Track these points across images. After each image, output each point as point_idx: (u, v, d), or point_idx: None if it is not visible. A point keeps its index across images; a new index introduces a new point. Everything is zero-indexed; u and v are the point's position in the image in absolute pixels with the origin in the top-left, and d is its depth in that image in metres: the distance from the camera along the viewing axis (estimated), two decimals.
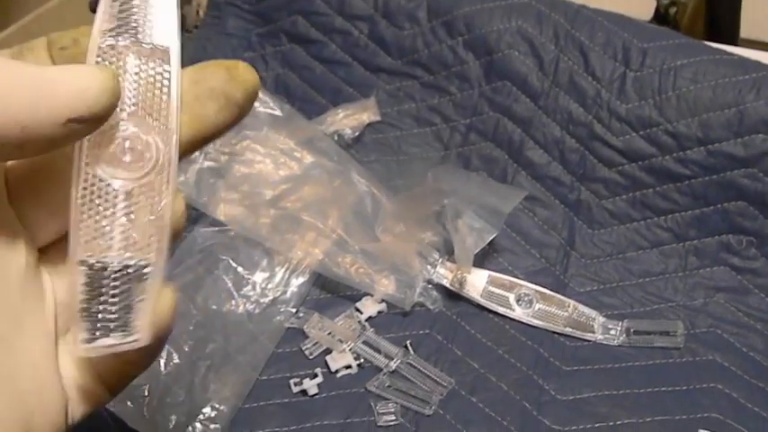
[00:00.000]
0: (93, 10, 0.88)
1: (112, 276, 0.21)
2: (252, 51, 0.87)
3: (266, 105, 0.77)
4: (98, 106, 0.19)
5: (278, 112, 0.77)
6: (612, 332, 0.68)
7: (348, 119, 0.80)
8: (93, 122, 0.20)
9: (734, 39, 0.93)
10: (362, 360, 0.63)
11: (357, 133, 0.80)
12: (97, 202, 0.21)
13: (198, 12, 0.99)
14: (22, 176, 0.22)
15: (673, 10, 0.95)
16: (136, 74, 0.22)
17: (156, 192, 0.21)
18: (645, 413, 0.61)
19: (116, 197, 0.21)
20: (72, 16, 1.03)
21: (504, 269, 0.73)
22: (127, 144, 0.21)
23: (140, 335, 0.21)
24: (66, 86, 0.19)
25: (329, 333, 0.64)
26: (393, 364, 0.63)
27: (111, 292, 0.21)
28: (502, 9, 0.78)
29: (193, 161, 0.76)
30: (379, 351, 0.64)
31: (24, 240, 0.21)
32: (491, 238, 0.67)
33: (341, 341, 0.64)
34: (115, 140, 0.21)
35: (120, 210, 0.21)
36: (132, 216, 0.21)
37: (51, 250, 0.23)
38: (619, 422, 0.60)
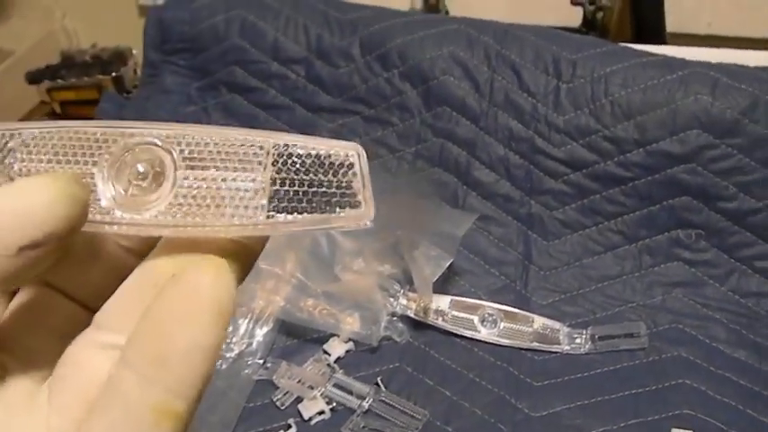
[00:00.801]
0: (31, 81, 0.87)
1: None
2: (193, 105, 0.87)
3: None
4: (53, 223, 0.17)
5: None
6: (578, 341, 0.68)
7: None
8: (57, 241, 0.17)
9: (661, 36, 0.96)
10: (335, 404, 0.63)
11: None
12: None
13: (135, 71, 1.00)
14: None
15: (600, 15, 0.97)
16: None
17: None
18: (618, 419, 0.61)
19: None
20: (10, 87, 1.02)
21: (466, 291, 0.73)
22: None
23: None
24: (6, 211, 0.16)
25: (299, 381, 0.64)
26: (366, 404, 0.63)
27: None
28: (432, 37, 0.79)
29: None
30: (350, 392, 0.64)
31: (15, 376, 0.19)
32: (447, 265, 0.68)
33: (311, 387, 0.64)
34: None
35: None
36: None
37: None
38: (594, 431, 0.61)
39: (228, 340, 0.68)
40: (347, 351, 0.68)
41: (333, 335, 0.69)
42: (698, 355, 0.67)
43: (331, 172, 0.19)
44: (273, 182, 0.19)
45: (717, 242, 0.72)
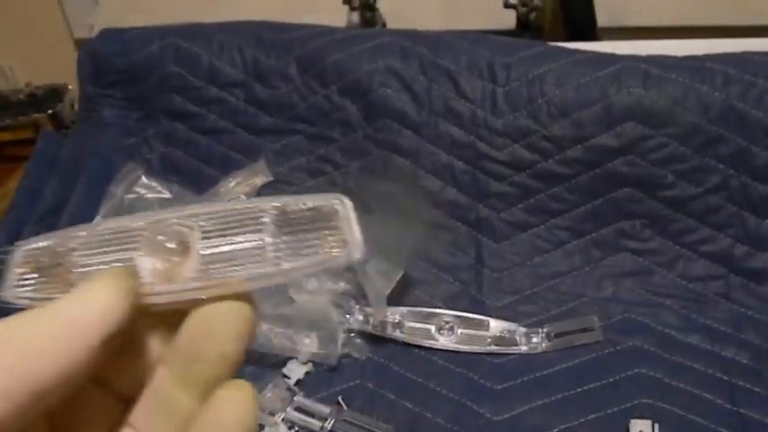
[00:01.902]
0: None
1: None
2: (133, 137, 0.86)
3: (154, 190, 0.76)
4: (120, 314, 0.20)
5: (166, 194, 0.76)
6: (535, 340, 0.69)
7: (241, 186, 0.80)
8: (124, 330, 0.20)
9: (593, 31, 0.98)
10: (297, 428, 0.63)
11: (252, 197, 0.80)
12: None
13: (72, 106, 0.98)
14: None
15: (533, 16, 0.99)
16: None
17: None
18: (577, 415, 0.62)
19: None
20: None
21: (421, 301, 0.73)
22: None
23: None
24: (84, 317, 0.19)
25: (259, 408, 0.63)
26: (328, 426, 0.62)
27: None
28: (367, 51, 0.79)
29: None
30: (312, 415, 0.63)
31: None
32: (398, 278, 0.68)
33: (272, 414, 0.63)
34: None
35: None
36: None
37: None
38: (556, 430, 0.61)
39: None
40: (307, 373, 0.68)
41: (291, 357, 0.68)
42: (651, 344, 0.68)
43: (320, 220, 0.22)
44: (276, 236, 0.22)
45: (661, 230, 0.74)
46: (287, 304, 0.70)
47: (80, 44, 1.07)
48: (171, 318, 0.22)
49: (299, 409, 0.64)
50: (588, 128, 0.73)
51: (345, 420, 0.63)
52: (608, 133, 0.73)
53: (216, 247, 0.22)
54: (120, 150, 0.85)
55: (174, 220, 0.22)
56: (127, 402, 0.22)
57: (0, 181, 0.96)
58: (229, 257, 0.21)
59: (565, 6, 0.96)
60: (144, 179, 0.77)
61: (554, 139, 0.74)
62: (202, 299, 0.21)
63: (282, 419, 0.63)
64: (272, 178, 0.81)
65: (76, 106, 0.96)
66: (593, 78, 0.74)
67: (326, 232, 0.22)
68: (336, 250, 0.22)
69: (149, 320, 0.22)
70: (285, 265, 0.21)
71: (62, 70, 1.05)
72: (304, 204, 0.22)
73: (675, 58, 0.76)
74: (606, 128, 0.73)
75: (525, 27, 0.99)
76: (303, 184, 0.81)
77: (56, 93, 0.98)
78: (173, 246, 0.22)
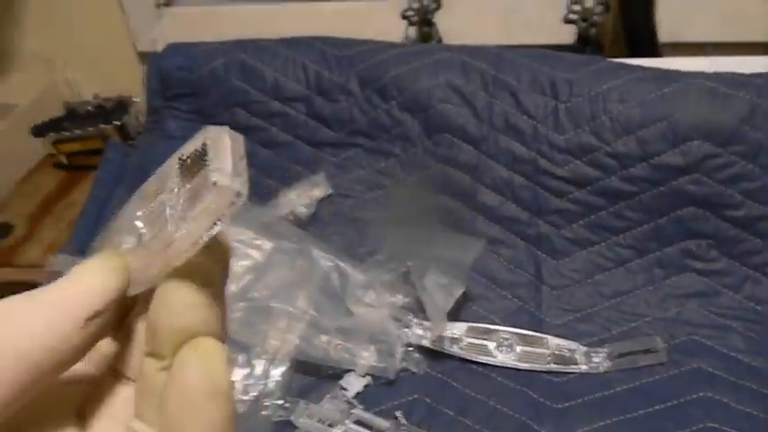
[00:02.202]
0: (36, 135, 0.88)
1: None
2: None
3: None
4: (108, 294, 0.21)
5: None
6: (596, 360, 0.68)
7: (300, 197, 0.81)
8: (111, 307, 0.21)
9: (654, 48, 0.97)
10: None
11: (312, 210, 0.81)
12: None
13: (137, 118, 1.01)
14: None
15: (593, 31, 0.98)
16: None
17: None
18: None
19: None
20: (17, 141, 1.04)
21: (480, 316, 0.73)
22: None
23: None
24: (69, 294, 0.20)
25: (318, 419, 0.64)
26: None
27: None
28: (428, 67, 0.80)
29: None
30: (370, 428, 0.63)
31: None
32: (460, 293, 0.68)
33: (331, 425, 0.64)
34: None
35: None
36: None
37: None
38: None
39: (246, 382, 0.68)
40: (365, 386, 0.68)
41: (349, 370, 0.69)
42: (717, 366, 0.66)
43: (201, 165, 0.20)
44: (182, 187, 0.20)
45: (727, 251, 0.72)
46: (345, 317, 0.71)
47: (144, 56, 1.11)
48: None
49: (358, 422, 0.64)
50: (653, 145, 0.72)
51: None
52: (673, 151, 0.72)
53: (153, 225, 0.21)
54: None
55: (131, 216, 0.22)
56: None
57: (67, 190, 1.00)
58: (163, 219, 0.21)
59: (626, 22, 0.95)
60: None
61: (618, 156, 0.73)
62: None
63: (342, 431, 0.63)
64: (331, 191, 0.82)
65: (142, 118, 0.99)
66: (659, 95, 0.73)
67: (199, 179, 0.20)
68: (212, 199, 0.19)
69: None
70: (183, 228, 0.20)
71: (126, 82, 1.09)
72: (182, 153, 0.21)
73: (743, 75, 0.75)
74: (672, 145, 0.72)
75: (585, 42, 0.98)
76: (361, 196, 0.82)
77: (122, 105, 1.01)
78: (132, 240, 0.22)
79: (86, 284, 0.21)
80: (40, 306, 0.20)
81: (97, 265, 0.21)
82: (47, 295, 0.20)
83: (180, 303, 0.20)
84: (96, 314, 0.20)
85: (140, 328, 0.22)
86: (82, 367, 0.22)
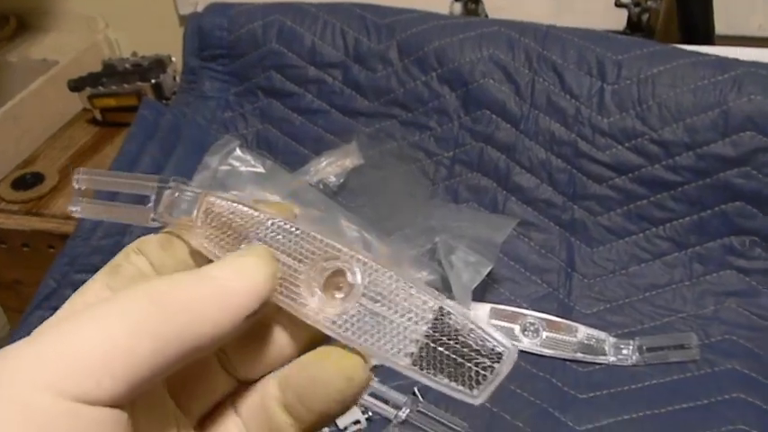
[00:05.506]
0: (73, 89, 0.88)
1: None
2: (230, 111, 0.87)
3: (248, 164, 0.77)
4: (266, 295, 0.21)
5: (260, 169, 0.76)
6: (625, 352, 0.65)
7: (331, 166, 0.79)
8: (262, 308, 0.21)
9: (710, 37, 0.93)
10: (371, 413, 0.61)
11: (342, 179, 0.79)
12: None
13: (174, 78, 1.00)
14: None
15: (645, 17, 0.94)
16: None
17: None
18: None
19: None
20: (54, 96, 1.04)
21: (506, 299, 0.71)
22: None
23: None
24: (239, 288, 0.20)
25: None
26: (402, 414, 0.61)
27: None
28: (472, 39, 0.77)
29: None
30: (386, 402, 0.62)
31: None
32: (487, 272, 0.65)
33: None
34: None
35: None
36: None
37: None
38: None
39: None
40: None
41: None
42: (753, 368, 0.63)
43: (472, 357, 0.21)
44: (426, 336, 0.21)
45: None
46: None
47: (184, 19, 1.10)
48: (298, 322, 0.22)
49: (373, 395, 0.63)
50: (702, 134, 0.69)
51: (420, 411, 0.61)
52: (723, 141, 0.69)
53: (369, 308, 0.21)
54: (218, 123, 0.86)
55: (353, 264, 0.22)
56: (241, 384, 0.23)
57: (100, 145, 0.99)
58: (375, 325, 0.21)
59: (682, 9, 0.91)
60: (238, 152, 0.77)
61: (663, 144, 0.70)
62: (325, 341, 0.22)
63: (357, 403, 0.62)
64: (362, 161, 0.80)
65: (178, 78, 0.98)
66: (712, 82, 0.70)
67: (469, 367, 0.21)
68: (463, 387, 0.21)
69: (279, 315, 0.22)
70: (415, 368, 0.21)
71: (166, 43, 1.08)
72: (471, 328, 0.21)
73: None
74: (722, 135, 0.69)
75: (636, 28, 0.94)
76: (394, 169, 0.80)
77: (159, 63, 1.00)
78: (338, 283, 0.22)
79: (252, 281, 0.20)
80: (211, 292, 0.20)
81: (262, 263, 0.21)
82: (217, 282, 0.20)
83: (340, 398, 0.21)
84: (254, 313, 0.20)
85: (279, 337, 0.23)
86: None
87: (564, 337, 0.67)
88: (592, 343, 0.66)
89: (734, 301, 0.68)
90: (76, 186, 0.26)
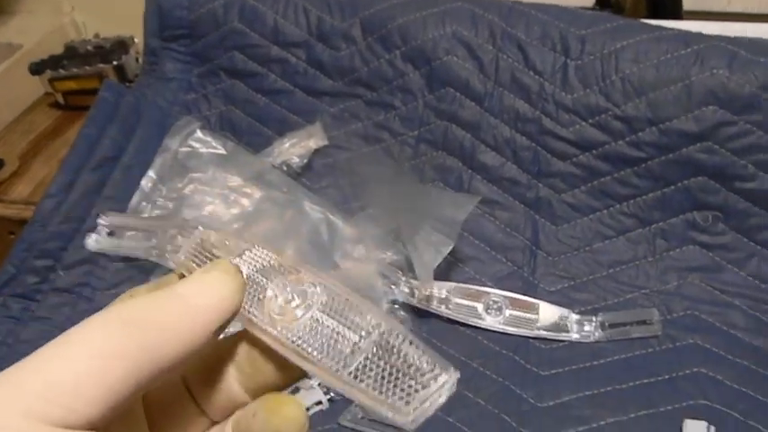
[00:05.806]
0: (34, 72, 0.86)
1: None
2: (193, 93, 0.86)
3: (209, 146, 0.76)
4: (233, 308, 0.21)
5: (222, 151, 0.75)
6: (587, 329, 0.65)
7: (295, 147, 0.78)
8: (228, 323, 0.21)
9: (677, 13, 0.92)
10: (332, 394, 0.61)
11: (305, 161, 0.78)
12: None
13: (137, 59, 0.98)
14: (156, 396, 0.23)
15: None
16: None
17: None
18: (629, 409, 0.58)
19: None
20: (18, 80, 1.02)
21: (471, 278, 0.71)
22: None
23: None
24: (204, 305, 0.20)
25: None
26: None
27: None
28: (435, 16, 0.76)
29: (141, 210, 0.74)
30: None
31: None
32: (448, 251, 0.65)
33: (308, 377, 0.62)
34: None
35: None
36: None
37: None
38: (603, 422, 0.58)
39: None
40: None
41: None
42: (715, 343, 0.63)
43: (411, 375, 0.21)
44: (369, 353, 0.21)
45: (735, 225, 0.68)
46: (332, 269, 0.68)
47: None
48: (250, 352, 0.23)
49: None
50: (665, 109, 0.69)
51: None
52: (686, 116, 0.68)
53: (324, 323, 0.22)
54: (180, 105, 0.85)
55: (312, 283, 0.23)
56: (213, 424, 0.24)
57: (61, 129, 0.98)
58: (326, 338, 0.22)
59: None
60: (199, 133, 0.76)
61: (627, 120, 0.70)
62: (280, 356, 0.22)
63: (318, 384, 0.61)
64: (327, 142, 0.79)
65: (141, 59, 0.96)
66: (675, 56, 0.69)
67: (405, 388, 0.21)
68: (396, 409, 0.21)
69: (230, 349, 0.23)
70: (355, 382, 0.21)
71: (133, 26, 1.05)
72: (416, 352, 0.21)
73: (765, 40, 0.71)
74: (684, 110, 0.68)
75: (604, 5, 0.93)
76: (359, 150, 0.79)
77: (122, 45, 0.98)
78: (295, 300, 0.23)
79: (219, 296, 0.21)
80: (179, 309, 0.20)
81: (228, 278, 0.21)
82: (185, 299, 0.20)
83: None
84: (221, 329, 0.21)
85: (231, 375, 0.23)
86: None
87: (527, 315, 0.66)
88: (555, 320, 0.66)
89: (697, 276, 0.68)
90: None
